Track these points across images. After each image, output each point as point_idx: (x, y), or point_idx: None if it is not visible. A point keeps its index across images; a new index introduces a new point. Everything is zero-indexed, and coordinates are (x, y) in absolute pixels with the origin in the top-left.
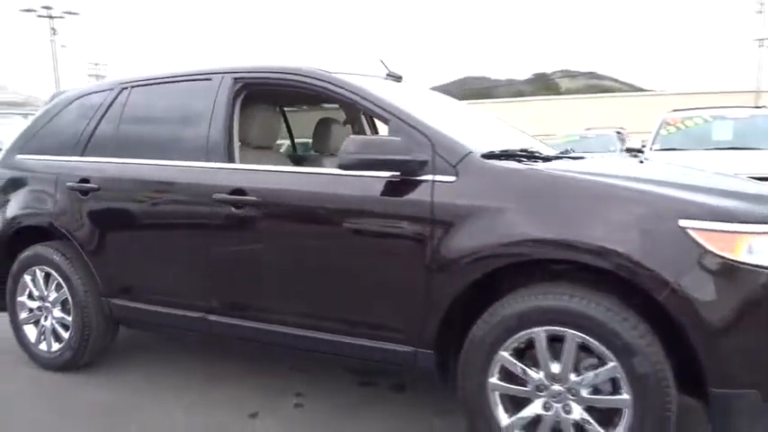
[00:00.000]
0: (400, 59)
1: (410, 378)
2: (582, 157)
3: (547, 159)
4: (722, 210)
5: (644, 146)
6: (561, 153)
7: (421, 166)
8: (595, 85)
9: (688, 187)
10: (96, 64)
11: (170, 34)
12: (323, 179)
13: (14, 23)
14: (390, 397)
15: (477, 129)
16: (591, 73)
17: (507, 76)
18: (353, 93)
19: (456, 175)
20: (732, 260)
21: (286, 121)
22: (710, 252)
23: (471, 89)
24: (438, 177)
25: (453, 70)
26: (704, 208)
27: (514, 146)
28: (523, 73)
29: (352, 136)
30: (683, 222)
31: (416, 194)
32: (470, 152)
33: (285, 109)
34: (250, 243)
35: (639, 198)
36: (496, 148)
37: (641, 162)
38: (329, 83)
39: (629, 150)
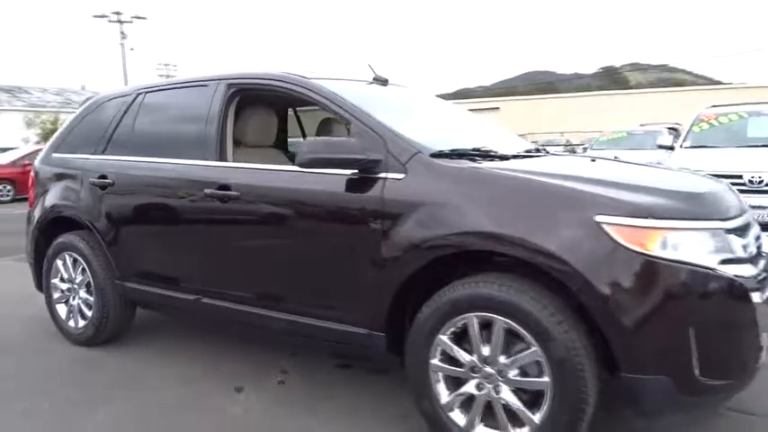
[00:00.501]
0: (463, 55)
1: (392, 363)
2: (544, 156)
3: (502, 158)
4: (637, 206)
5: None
6: (531, 151)
7: (375, 165)
8: (667, 78)
9: (614, 185)
10: (166, 65)
11: (235, 34)
12: (294, 176)
13: (88, 28)
14: (370, 379)
15: (448, 130)
16: (663, 66)
17: (574, 70)
18: (323, 97)
19: (405, 172)
20: (644, 254)
21: (299, 120)
22: (623, 246)
23: (536, 83)
24: (390, 175)
25: (519, 65)
26: (620, 204)
27: (485, 145)
28: (591, 66)
29: (310, 137)
30: (598, 218)
31: (370, 190)
32: (418, 152)
33: (299, 109)
34: (234, 233)
35: (563, 194)
36: (455, 148)
37: (592, 161)
38: (303, 87)
39: (660, 147)
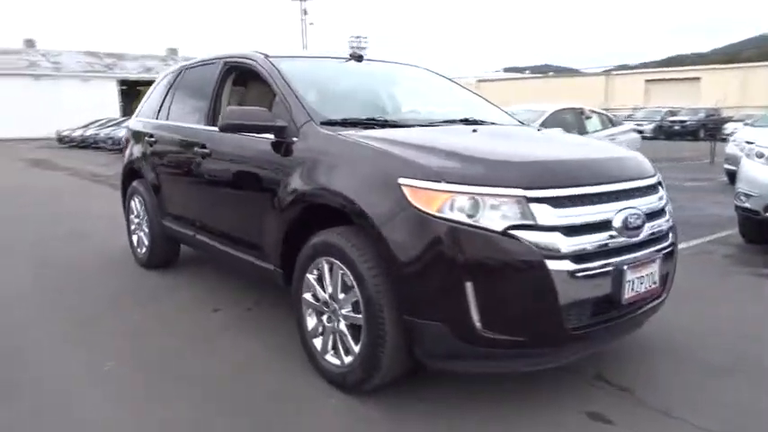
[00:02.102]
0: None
1: None
2: (447, 126)
3: (388, 126)
4: (433, 170)
5: None
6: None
7: (282, 130)
8: None
9: (434, 151)
10: (357, 37)
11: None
12: (246, 139)
13: (271, 7)
14: None
15: (398, 102)
16: None
17: None
18: (265, 72)
19: (298, 136)
20: (428, 214)
21: None
22: (413, 206)
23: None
24: (292, 139)
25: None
26: (420, 169)
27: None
28: None
29: (230, 106)
30: (400, 180)
31: (280, 151)
32: (310, 119)
33: None
34: (207, 182)
35: (383, 159)
36: (354, 117)
37: (474, 131)
38: (256, 64)
39: None
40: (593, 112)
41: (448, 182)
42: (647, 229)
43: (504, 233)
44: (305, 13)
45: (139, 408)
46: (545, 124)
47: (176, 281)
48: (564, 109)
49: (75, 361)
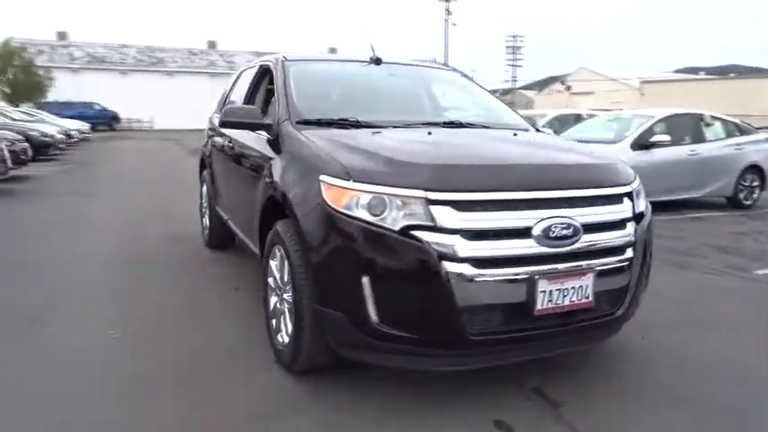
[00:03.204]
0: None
1: None
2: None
3: (355, 127)
4: (346, 170)
5: None
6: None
7: (269, 128)
8: None
9: (360, 152)
10: (514, 36)
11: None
12: (250, 134)
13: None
14: None
15: (398, 104)
16: None
17: None
18: (277, 75)
19: (277, 134)
20: (334, 209)
21: None
22: (325, 202)
23: None
24: (274, 136)
25: None
26: (337, 168)
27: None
28: None
29: (229, 105)
30: (321, 177)
31: (272, 147)
32: (287, 118)
33: None
34: (230, 171)
35: (314, 157)
36: (329, 117)
37: (429, 133)
38: (273, 66)
39: None
40: (717, 118)
41: (356, 180)
42: (584, 241)
43: (403, 232)
44: (448, 13)
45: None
46: (652, 131)
47: (219, 259)
48: (677, 115)
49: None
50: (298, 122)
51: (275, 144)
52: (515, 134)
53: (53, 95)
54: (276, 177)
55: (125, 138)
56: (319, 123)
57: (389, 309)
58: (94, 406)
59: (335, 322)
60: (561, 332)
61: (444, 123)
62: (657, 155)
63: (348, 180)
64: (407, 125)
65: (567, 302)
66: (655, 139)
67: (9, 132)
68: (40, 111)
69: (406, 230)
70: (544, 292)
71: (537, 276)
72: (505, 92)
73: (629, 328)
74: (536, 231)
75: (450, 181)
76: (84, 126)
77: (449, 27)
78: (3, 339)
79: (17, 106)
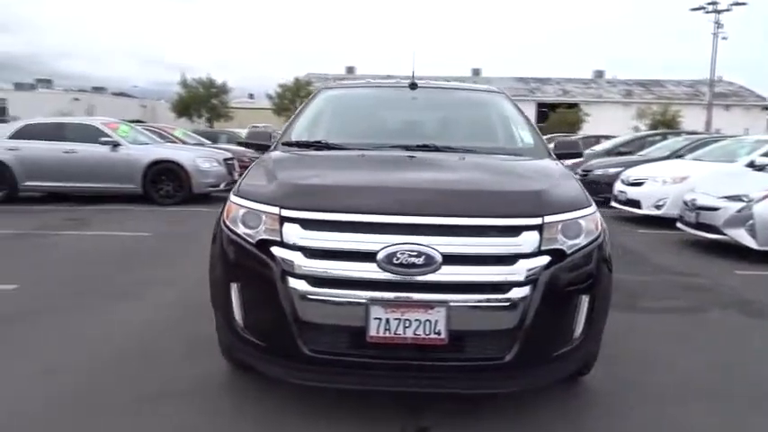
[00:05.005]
0: None
1: None
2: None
3: (323, 148)
4: (239, 189)
5: None
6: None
7: (268, 147)
8: None
9: (268, 171)
10: None
11: None
12: None
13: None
14: None
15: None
16: None
17: None
18: (307, 101)
19: (270, 152)
20: (224, 221)
21: None
22: (223, 213)
23: None
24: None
25: None
26: (237, 185)
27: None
28: None
29: (252, 128)
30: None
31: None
32: (278, 140)
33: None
34: None
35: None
36: (305, 140)
37: (362, 156)
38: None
39: None
40: None
41: (239, 196)
42: (443, 272)
43: (258, 245)
44: (719, 26)
45: None
46: None
47: None
48: None
49: None
50: (283, 144)
51: None
52: (463, 158)
53: None
54: None
55: None
56: (298, 145)
57: (249, 315)
58: None
59: (219, 323)
60: (416, 367)
61: (417, 146)
62: None
63: (236, 196)
64: (377, 147)
65: (409, 335)
66: None
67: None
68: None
69: (261, 244)
70: (379, 319)
71: (370, 302)
72: None
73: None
74: (380, 256)
75: (301, 200)
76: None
77: (718, 41)
78: None
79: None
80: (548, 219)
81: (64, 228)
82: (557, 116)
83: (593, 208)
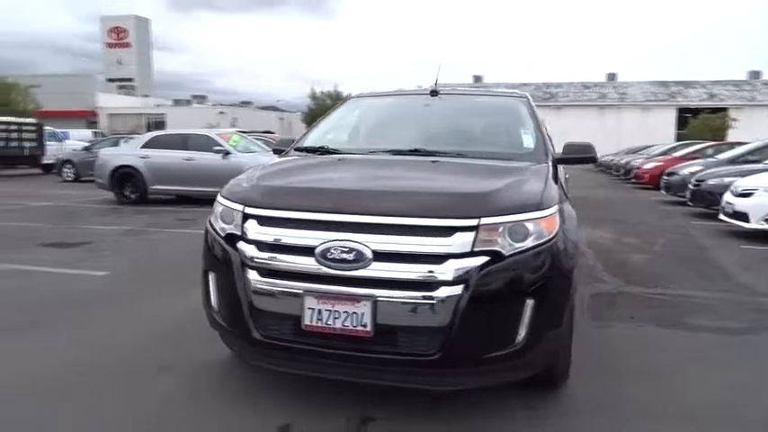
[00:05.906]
0: None
1: None
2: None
3: (327, 153)
4: (227, 189)
5: None
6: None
7: (283, 152)
8: None
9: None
10: None
11: None
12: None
13: None
14: None
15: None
16: None
17: None
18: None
19: (284, 156)
20: (209, 221)
21: None
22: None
23: None
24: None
25: None
26: (225, 188)
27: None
28: None
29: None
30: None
31: None
32: (294, 145)
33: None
34: None
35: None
36: (312, 145)
37: (339, 160)
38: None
39: None
40: None
41: (220, 195)
42: (373, 268)
43: (226, 238)
44: None
45: None
46: None
47: None
48: None
49: None
50: (296, 149)
51: None
52: (434, 162)
53: None
54: None
55: None
56: (307, 150)
57: (220, 301)
58: None
59: (204, 306)
60: (348, 357)
61: (408, 151)
62: None
63: (220, 195)
64: (371, 152)
65: (338, 325)
66: None
67: None
68: None
69: (228, 237)
70: (312, 309)
71: (305, 293)
72: None
73: None
74: (317, 251)
75: (261, 199)
76: None
77: None
78: None
79: None
80: (485, 220)
81: (171, 226)
82: (698, 122)
83: (548, 211)
